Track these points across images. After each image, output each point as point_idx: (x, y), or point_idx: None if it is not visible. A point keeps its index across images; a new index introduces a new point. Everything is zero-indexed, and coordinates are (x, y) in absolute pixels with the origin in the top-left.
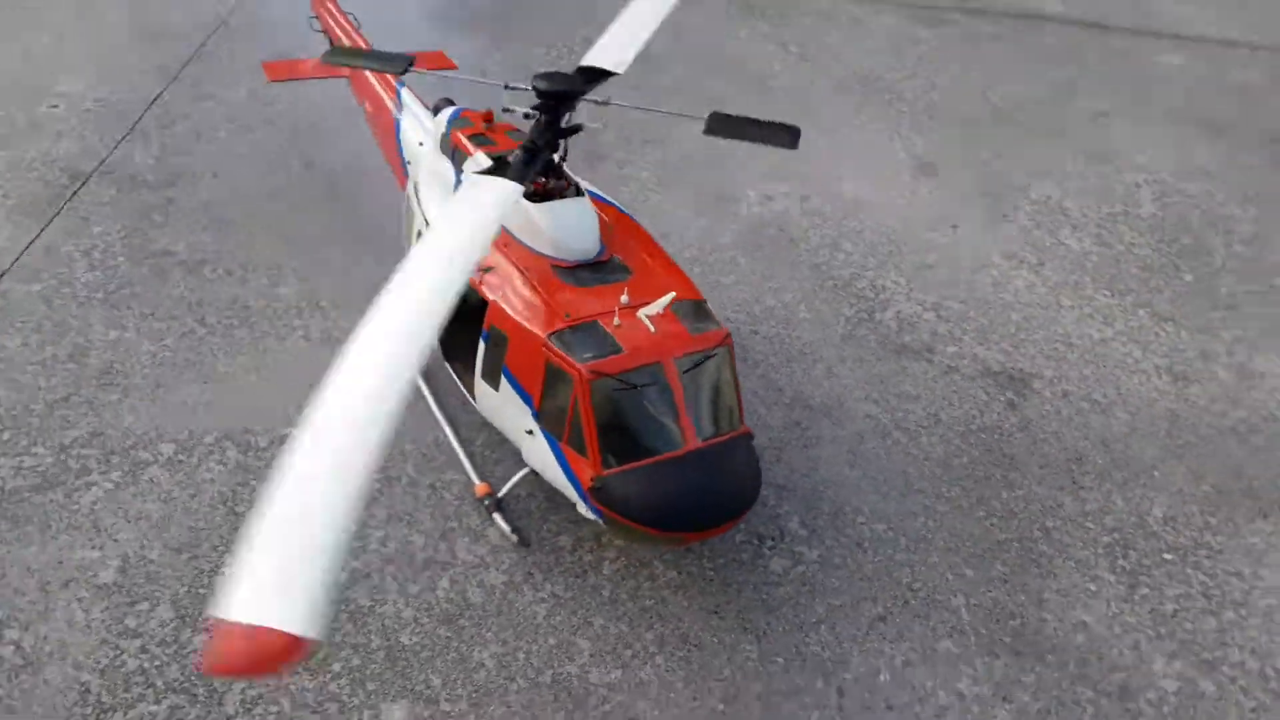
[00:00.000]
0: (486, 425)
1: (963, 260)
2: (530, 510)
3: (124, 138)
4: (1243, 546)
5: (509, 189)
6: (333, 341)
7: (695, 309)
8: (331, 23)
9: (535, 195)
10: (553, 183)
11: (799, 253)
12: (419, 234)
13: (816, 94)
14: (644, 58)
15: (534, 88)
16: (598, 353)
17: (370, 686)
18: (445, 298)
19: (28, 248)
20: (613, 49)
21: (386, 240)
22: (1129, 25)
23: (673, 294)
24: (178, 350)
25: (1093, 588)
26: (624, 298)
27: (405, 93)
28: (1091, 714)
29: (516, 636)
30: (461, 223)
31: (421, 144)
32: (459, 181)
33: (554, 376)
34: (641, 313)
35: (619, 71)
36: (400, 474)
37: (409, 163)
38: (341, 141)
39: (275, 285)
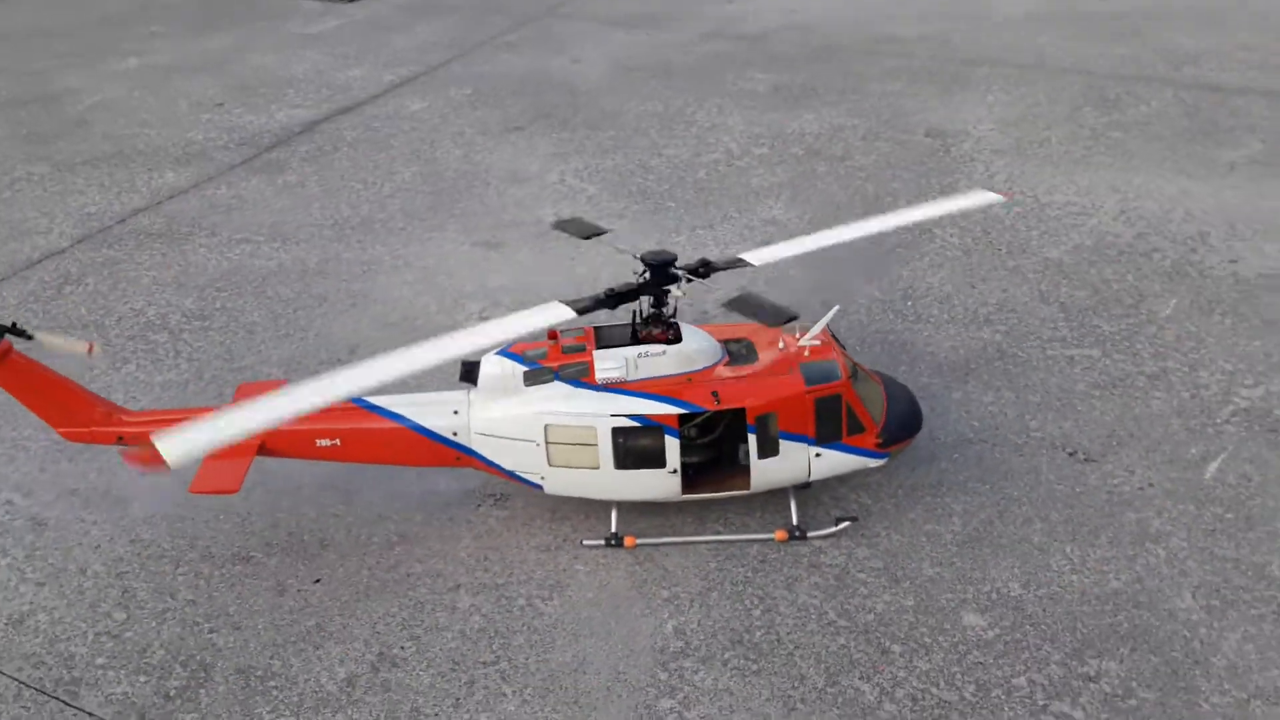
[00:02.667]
0: (704, 516)
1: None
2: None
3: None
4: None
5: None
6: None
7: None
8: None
9: (667, 341)
10: (664, 330)
11: None
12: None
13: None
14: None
15: (643, 260)
16: (830, 371)
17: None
18: None
19: None
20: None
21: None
22: None
23: (836, 308)
24: None
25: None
26: (781, 344)
27: (375, 400)
28: None
29: (943, 570)
30: None
31: (457, 412)
32: (584, 385)
33: (822, 406)
34: (809, 337)
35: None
36: (740, 579)
37: (455, 433)
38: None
39: (452, 609)
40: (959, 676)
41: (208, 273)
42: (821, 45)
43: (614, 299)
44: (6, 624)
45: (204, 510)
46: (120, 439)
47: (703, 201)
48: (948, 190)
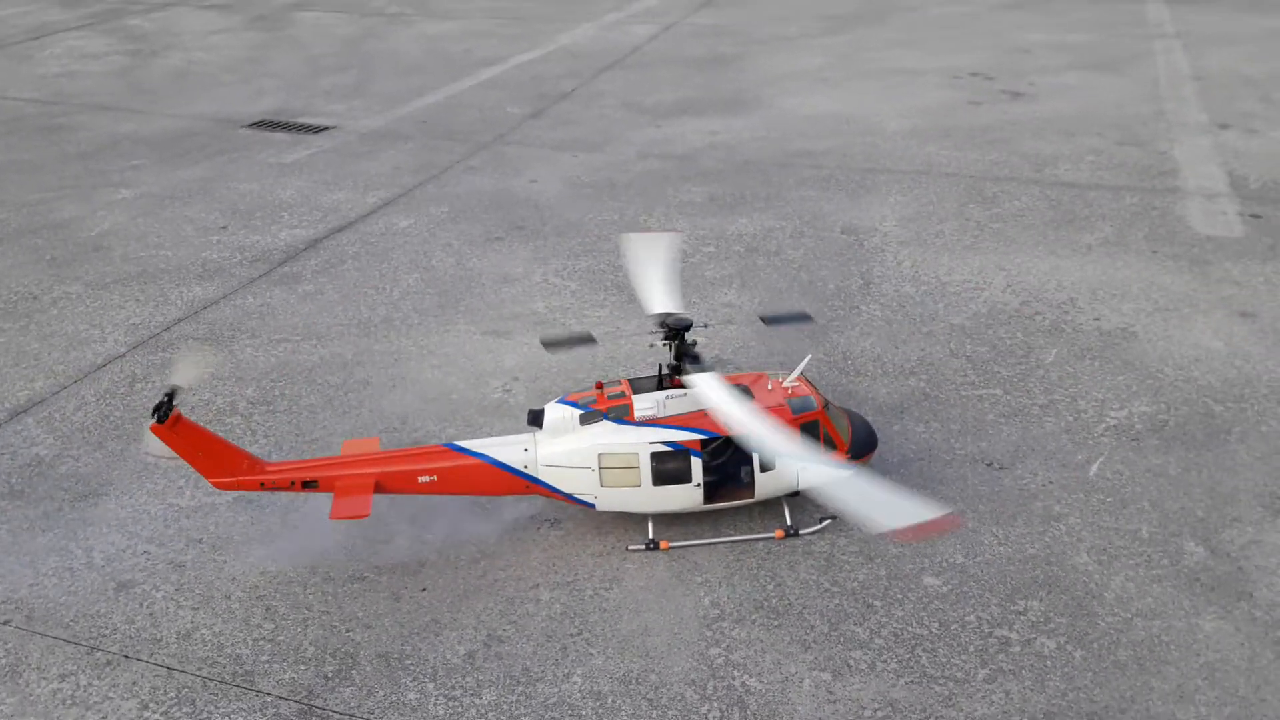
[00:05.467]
0: (719, 523)
1: None
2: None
3: None
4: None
5: (709, 376)
6: None
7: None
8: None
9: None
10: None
11: None
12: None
13: None
14: None
15: (665, 324)
16: (809, 403)
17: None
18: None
19: None
20: (664, 298)
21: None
22: None
23: (809, 356)
24: None
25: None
26: (769, 385)
27: (462, 443)
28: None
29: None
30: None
31: (526, 449)
32: (626, 422)
33: (807, 428)
34: (790, 379)
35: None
36: (754, 566)
37: (526, 466)
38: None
39: (536, 600)
40: (926, 618)
41: (258, 368)
42: (742, 161)
43: (673, 370)
44: (178, 638)
45: (315, 546)
46: (263, 485)
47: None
48: (867, 276)
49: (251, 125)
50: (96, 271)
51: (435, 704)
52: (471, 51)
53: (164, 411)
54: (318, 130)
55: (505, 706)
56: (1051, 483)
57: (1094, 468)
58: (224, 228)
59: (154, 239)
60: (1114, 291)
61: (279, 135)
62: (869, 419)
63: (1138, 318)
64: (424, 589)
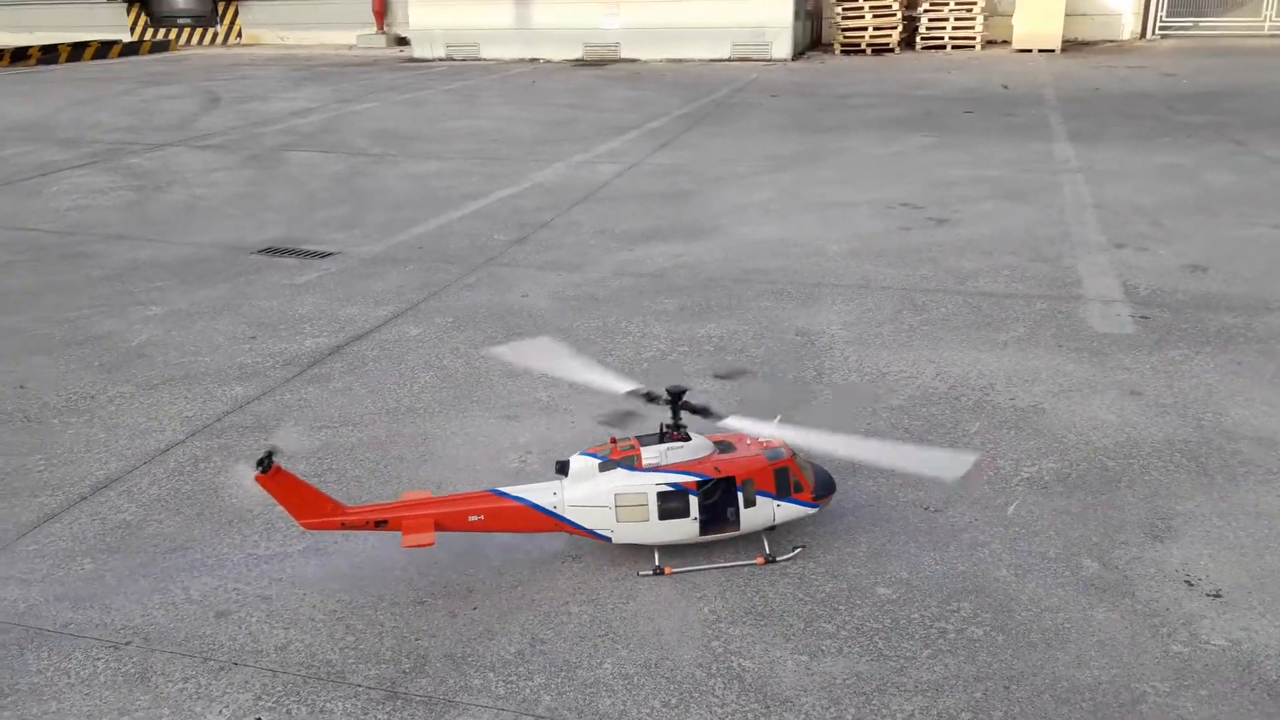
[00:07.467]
0: (711, 553)
1: None
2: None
3: None
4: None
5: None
6: None
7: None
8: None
9: (684, 439)
10: (681, 433)
11: None
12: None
13: None
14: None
15: (668, 390)
16: (780, 453)
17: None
18: None
19: None
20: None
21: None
22: None
23: (779, 417)
24: None
25: None
26: (748, 440)
27: (504, 489)
28: None
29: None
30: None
31: (555, 493)
32: (636, 469)
33: (780, 473)
34: (768, 433)
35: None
36: (740, 584)
37: (555, 507)
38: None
39: (568, 613)
40: (880, 616)
41: (305, 448)
42: (706, 278)
43: (648, 399)
44: (276, 649)
45: (378, 579)
46: (342, 525)
47: (652, 382)
48: (819, 369)
49: (260, 251)
50: (144, 375)
51: (496, 686)
52: (454, 188)
53: (266, 464)
54: (323, 255)
55: (553, 686)
56: (977, 520)
57: (1011, 508)
58: (253, 337)
59: (191, 347)
60: (1026, 378)
61: (287, 260)
62: (828, 470)
63: (1046, 398)
64: (475, 608)
